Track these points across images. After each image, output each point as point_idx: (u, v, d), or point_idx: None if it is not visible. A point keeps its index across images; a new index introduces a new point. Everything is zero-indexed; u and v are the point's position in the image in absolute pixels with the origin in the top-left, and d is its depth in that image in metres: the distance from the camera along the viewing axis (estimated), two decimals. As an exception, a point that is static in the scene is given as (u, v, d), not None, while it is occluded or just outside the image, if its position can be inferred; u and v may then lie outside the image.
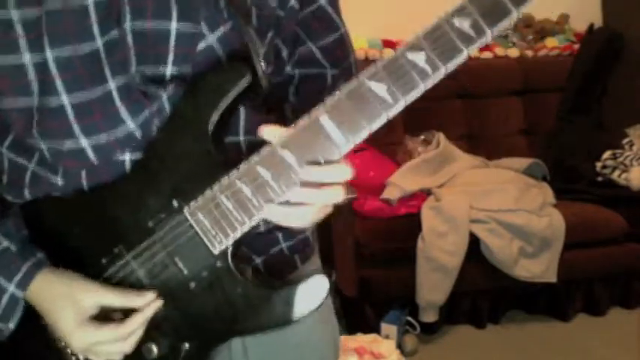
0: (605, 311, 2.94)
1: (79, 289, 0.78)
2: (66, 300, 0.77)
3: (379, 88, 0.72)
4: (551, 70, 3.46)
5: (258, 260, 0.90)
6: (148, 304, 0.79)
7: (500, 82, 3.38)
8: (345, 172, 0.75)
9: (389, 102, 0.72)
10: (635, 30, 3.32)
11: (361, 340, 2.51)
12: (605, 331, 2.80)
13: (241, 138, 0.86)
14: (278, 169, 0.75)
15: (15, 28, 0.72)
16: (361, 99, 0.72)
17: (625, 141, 3.13)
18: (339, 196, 0.76)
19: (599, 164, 3.08)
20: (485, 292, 2.80)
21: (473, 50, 0.71)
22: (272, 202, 0.76)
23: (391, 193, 2.72)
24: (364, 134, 0.74)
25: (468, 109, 3.33)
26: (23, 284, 0.78)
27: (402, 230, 2.65)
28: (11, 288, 0.78)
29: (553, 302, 2.90)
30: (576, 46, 3.52)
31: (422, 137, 3.12)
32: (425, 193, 2.80)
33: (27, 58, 0.73)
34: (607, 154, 3.08)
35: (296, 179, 0.75)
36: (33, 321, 0.82)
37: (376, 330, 2.64)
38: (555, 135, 3.33)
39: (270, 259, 0.91)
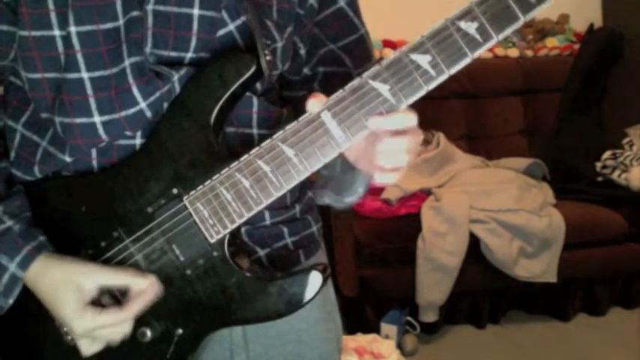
0: (605, 311, 2.94)
1: (80, 273, 0.78)
2: (66, 285, 0.77)
3: (382, 88, 0.73)
4: (551, 70, 3.46)
5: (261, 253, 0.90)
6: (151, 286, 0.79)
7: (500, 82, 3.38)
8: (408, 119, 0.75)
9: (391, 102, 0.73)
10: (635, 30, 3.31)
11: (361, 340, 2.51)
12: (605, 331, 2.80)
13: (255, 131, 0.87)
14: (278, 162, 0.76)
15: (47, 2, 0.76)
16: (363, 98, 0.73)
17: (625, 141, 3.13)
18: (405, 142, 0.76)
19: (599, 164, 3.07)
20: (485, 292, 2.80)
21: (477, 54, 0.71)
22: (272, 196, 0.77)
23: (391, 193, 2.72)
24: (364, 133, 0.74)
25: (468, 109, 3.33)
26: (24, 265, 0.78)
27: (402, 230, 2.65)
28: (12, 267, 0.78)
29: (553, 302, 2.90)
30: (576, 46, 3.52)
31: (422, 137, 3.12)
32: (425, 193, 2.80)
33: (57, 32, 0.77)
34: (607, 154, 3.08)
35: (294, 172, 0.76)
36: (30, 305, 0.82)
37: (376, 330, 2.64)
38: (555, 135, 3.33)
39: (273, 253, 0.91)
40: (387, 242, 2.64)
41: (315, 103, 0.75)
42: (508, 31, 0.70)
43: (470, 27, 0.70)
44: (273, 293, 0.81)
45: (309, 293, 0.82)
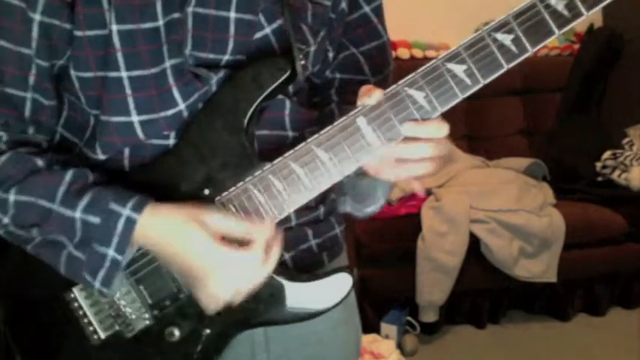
0: (605, 311, 2.94)
1: (203, 213, 0.75)
2: (191, 224, 0.74)
3: (417, 95, 0.74)
4: (551, 70, 3.46)
5: (286, 255, 0.90)
6: (269, 226, 0.77)
7: (500, 82, 3.32)
8: (440, 130, 0.76)
9: (426, 109, 0.75)
10: (635, 30, 3.31)
11: (361, 340, 2.51)
12: (605, 331, 2.80)
13: (289, 133, 0.87)
14: (311, 166, 0.77)
15: (102, 2, 0.75)
16: (399, 104, 0.75)
17: (625, 141, 3.13)
18: (430, 150, 0.77)
19: (599, 164, 3.07)
20: (485, 292, 2.80)
21: (512, 65, 0.73)
22: (305, 198, 0.77)
23: (391, 193, 2.72)
24: (398, 139, 0.76)
25: (468, 109, 3.33)
26: (138, 207, 0.75)
27: (402, 230, 2.65)
28: (126, 211, 0.75)
29: (553, 302, 2.90)
30: (576, 46, 3.52)
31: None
32: (425, 193, 2.80)
33: (106, 31, 0.76)
34: (607, 154, 3.08)
35: (327, 176, 0.77)
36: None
37: (376, 330, 2.64)
38: (555, 135, 3.33)
39: (298, 255, 0.91)
40: (387, 242, 2.64)
41: (377, 95, 0.75)
42: (543, 44, 0.72)
43: (506, 39, 0.72)
44: (302, 295, 0.82)
45: (338, 295, 0.83)
